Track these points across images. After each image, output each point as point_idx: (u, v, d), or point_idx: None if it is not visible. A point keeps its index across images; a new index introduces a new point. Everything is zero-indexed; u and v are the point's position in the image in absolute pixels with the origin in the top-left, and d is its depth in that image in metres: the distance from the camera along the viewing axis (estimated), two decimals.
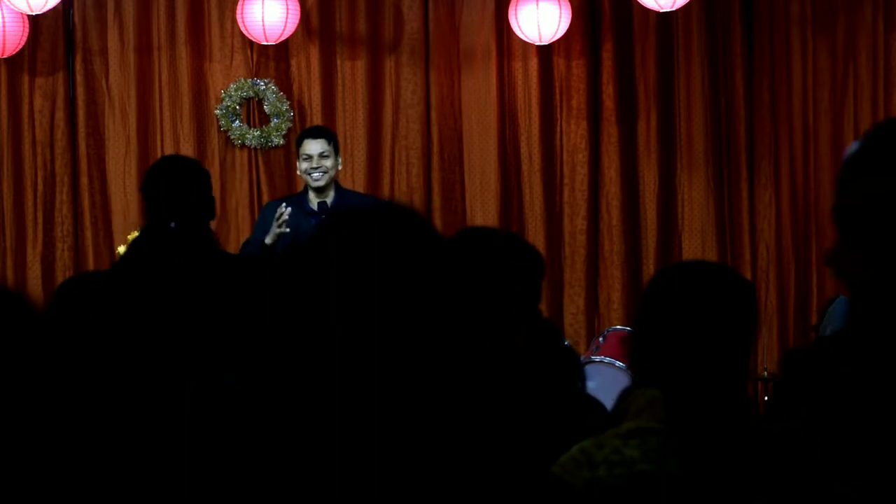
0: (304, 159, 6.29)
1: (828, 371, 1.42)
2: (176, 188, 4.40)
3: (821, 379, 1.40)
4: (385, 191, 7.68)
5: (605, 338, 6.77)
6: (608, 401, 6.58)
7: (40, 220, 7.62)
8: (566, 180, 7.75)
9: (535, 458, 1.63)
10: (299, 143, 6.39)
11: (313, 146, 6.28)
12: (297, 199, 6.39)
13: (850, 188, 1.53)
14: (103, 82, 7.63)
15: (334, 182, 6.37)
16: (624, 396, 2.42)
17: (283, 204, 6.06)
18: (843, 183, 1.55)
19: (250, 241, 6.31)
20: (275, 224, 5.94)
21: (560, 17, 7.25)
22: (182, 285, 3.92)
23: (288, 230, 5.91)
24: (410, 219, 1.57)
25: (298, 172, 6.39)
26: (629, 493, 2.15)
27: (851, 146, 1.60)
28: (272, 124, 7.62)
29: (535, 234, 7.73)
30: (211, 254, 4.35)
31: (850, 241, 1.50)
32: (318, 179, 6.25)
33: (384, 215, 1.58)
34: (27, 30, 7.27)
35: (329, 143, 6.31)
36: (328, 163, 6.28)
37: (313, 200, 6.31)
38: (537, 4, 7.23)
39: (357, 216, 1.59)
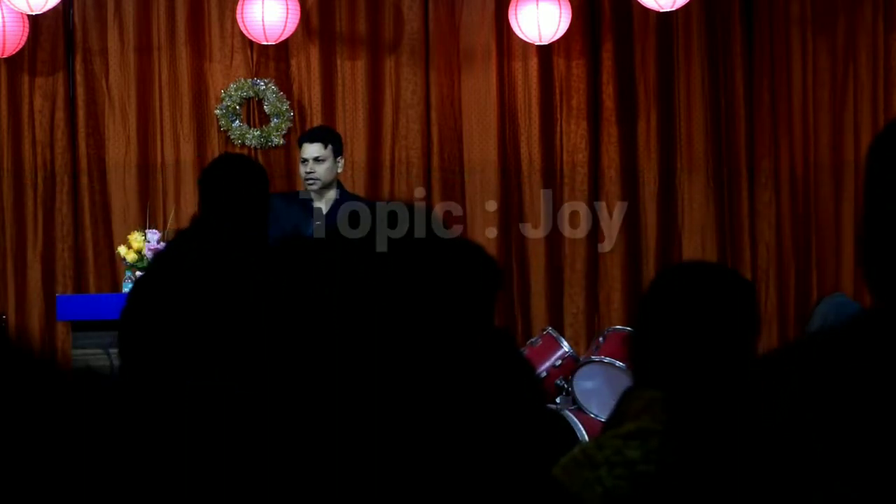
0: (302, 163, 6.20)
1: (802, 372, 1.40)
2: (234, 187, 4.27)
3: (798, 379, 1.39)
4: (385, 191, 7.68)
5: (605, 338, 6.76)
6: (608, 401, 6.57)
7: (40, 220, 7.62)
8: (566, 180, 7.75)
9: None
10: (299, 145, 6.33)
11: (308, 150, 6.18)
12: (302, 197, 6.38)
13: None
14: (103, 82, 7.64)
15: (336, 183, 6.30)
16: (624, 397, 2.41)
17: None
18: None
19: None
20: None
21: (560, 17, 7.25)
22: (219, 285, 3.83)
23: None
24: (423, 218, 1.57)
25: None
26: (630, 495, 2.15)
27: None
28: (272, 124, 7.62)
29: (535, 234, 7.73)
30: (258, 254, 4.20)
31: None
32: (311, 184, 6.14)
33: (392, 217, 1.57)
34: (27, 30, 7.27)
35: (325, 147, 6.19)
36: (321, 167, 6.16)
37: (315, 201, 6.26)
38: (537, 4, 7.23)
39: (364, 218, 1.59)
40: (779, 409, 1.34)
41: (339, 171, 6.31)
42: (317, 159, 6.17)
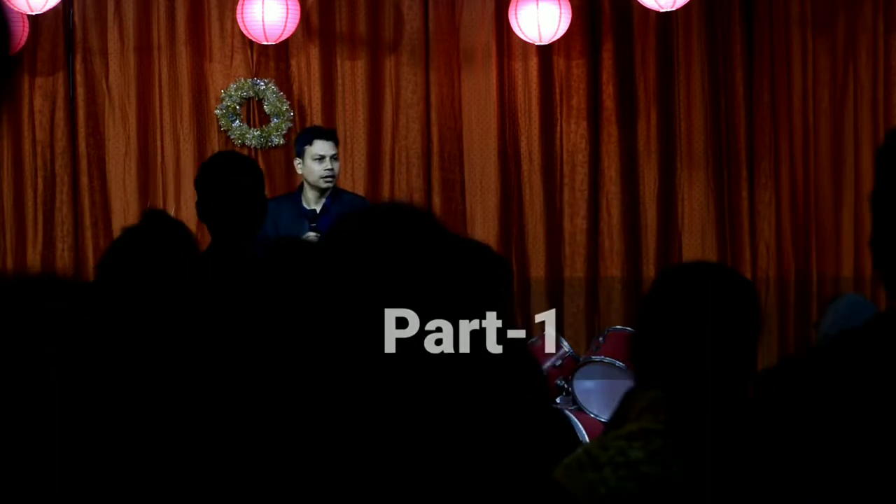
0: (317, 160, 6.24)
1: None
2: (228, 187, 4.21)
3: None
4: (385, 191, 7.68)
5: (605, 338, 6.76)
6: (608, 400, 6.57)
7: (40, 220, 7.62)
8: (566, 180, 7.75)
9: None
10: (308, 143, 6.32)
11: (326, 147, 6.27)
12: (293, 199, 6.38)
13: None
14: (103, 82, 7.63)
15: None
16: (626, 397, 2.42)
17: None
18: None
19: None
20: None
21: (560, 17, 7.25)
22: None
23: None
24: (417, 218, 1.56)
25: (301, 171, 6.36)
26: (634, 495, 2.15)
27: None
28: (272, 124, 7.62)
29: (535, 234, 7.73)
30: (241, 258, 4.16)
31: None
32: (329, 182, 6.25)
33: (391, 216, 1.57)
34: (27, 30, 7.28)
35: (337, 145, 6.36)
36: (337, 165, 6.31)
37: (311, 201, 6.28)
38: (537, 4, 7.23)
39: (362, 218, 1.58)
40: (782, 410, 1.34)
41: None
42: (333, 157, 6.27)
